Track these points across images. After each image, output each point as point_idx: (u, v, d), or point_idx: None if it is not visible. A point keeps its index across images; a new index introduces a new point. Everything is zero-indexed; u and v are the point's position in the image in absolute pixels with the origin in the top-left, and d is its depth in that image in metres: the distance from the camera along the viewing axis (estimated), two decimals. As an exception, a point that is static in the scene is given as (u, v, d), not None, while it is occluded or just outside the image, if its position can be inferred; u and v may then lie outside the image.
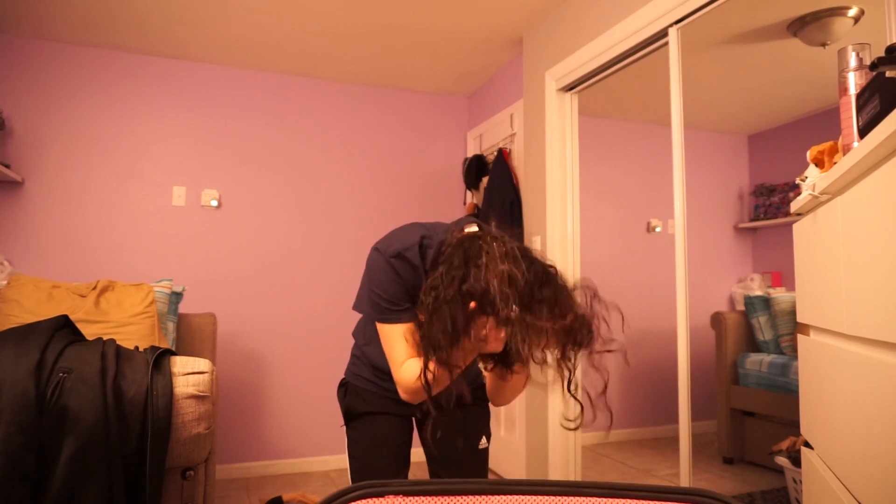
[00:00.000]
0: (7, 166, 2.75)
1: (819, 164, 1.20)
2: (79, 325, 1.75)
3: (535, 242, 2.79)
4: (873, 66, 0.85)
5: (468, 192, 3.50)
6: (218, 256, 3.21)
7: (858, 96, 0.97)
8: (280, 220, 3.35)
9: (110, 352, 1.46)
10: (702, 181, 3.41)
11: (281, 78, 3.42)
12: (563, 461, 2.55)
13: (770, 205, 3.23)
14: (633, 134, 3.64)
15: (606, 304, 1.05)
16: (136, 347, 1.64)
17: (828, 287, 1.04)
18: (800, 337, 1.30)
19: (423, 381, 1.03)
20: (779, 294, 3.11)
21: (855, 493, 0.89)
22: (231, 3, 2.62)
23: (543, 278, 1.00)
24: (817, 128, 2.79)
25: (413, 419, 1.45)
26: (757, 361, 3.01)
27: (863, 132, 0.93)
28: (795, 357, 2.86)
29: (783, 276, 3.27)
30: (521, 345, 0.96)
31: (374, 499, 0.52)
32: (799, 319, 1.29)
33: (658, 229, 3.65)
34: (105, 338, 1.59)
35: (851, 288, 0.90)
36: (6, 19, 2.76)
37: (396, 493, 0.52)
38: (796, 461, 2.17)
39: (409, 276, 1.18)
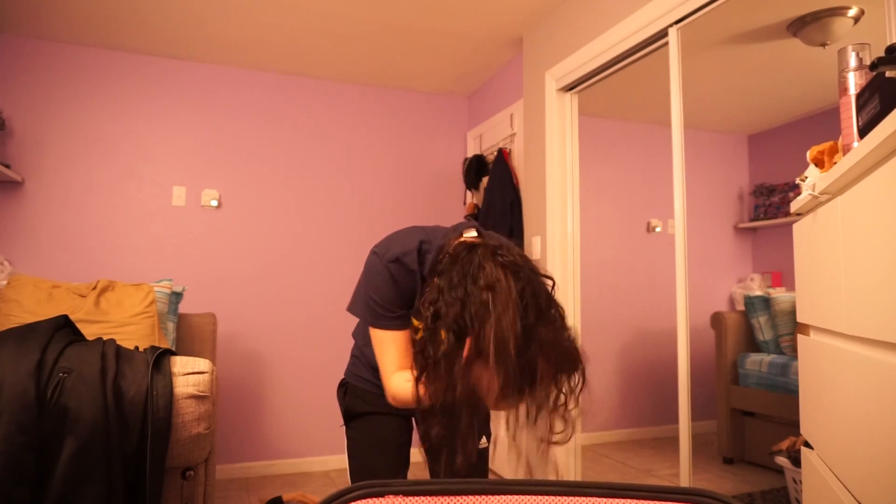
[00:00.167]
0: (7, 166, 2.75)
1: (819, 164, 1.20)
2: (79, 325, 1.75)
3: (535, 243, 2.79)
4: (873, 66, 0.85)
5: (468, 193, 3.50)
6: (218, 256, 3.21)
7: (858, 96, 0.97)
8: (280, 220, 3.35)
9: (110, 352, 1.46)
10: (702, 181, 3.41)
11: (281, 78, 3.42)
12: (563, 461, 2.55)
13: (770, 205, 3.24)
14: (633, 134, 3.64)
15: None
16: (136, 347, 1.64)
17: (828, 287, 1.04)
18: (800, 337, 1.30)
19: (416, 402, 1.04)
20: (779, 294, 3.11)
21: (855, 493, 0.89)
22: (231, 2, 2.62)
23: (541, 315, 0.98)
24: (817, 128, 2.80)
25: (413, 419, 1.45)
26: (757, 361, 3.01)
27: (863, 132, 0.93)
28: (795, 357, 2.86)
29: (783, 276, 3.27)
30: (514, 395, 0.97)
31: (374, 499, 0.52)
32: (799, 319, 1.29)
33: (658, 229, 3.65)
34: (105, 338, 1.60)
35: (851, 288, 0.90)
36: (6, 19, 2.76)
37: (396, 493, 0.52)
38: (796, 461, 2.17)
39: (406, 282, 1.18)
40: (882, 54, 0.85)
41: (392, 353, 1.19)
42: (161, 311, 2.30)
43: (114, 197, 3.05)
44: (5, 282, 2.26)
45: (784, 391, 2.82)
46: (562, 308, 1.05)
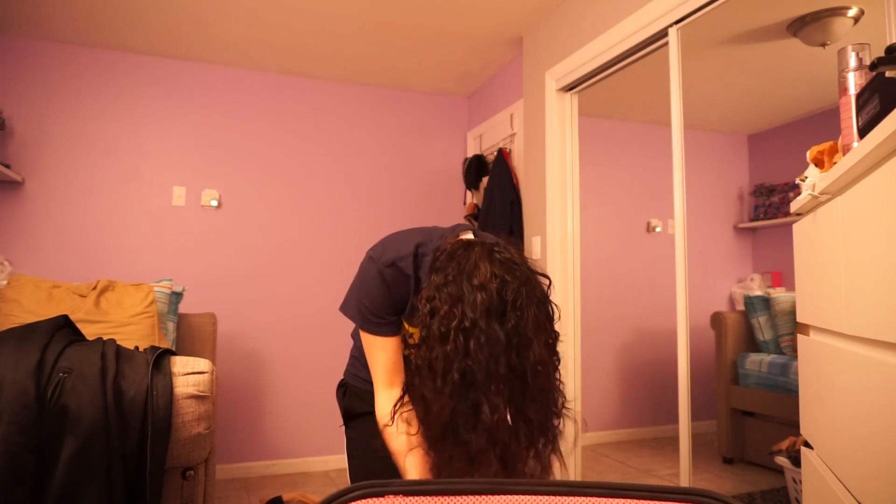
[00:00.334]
0: (7, 166, 2.75)
1: (819, 164, 1.20)
2: (79, 325, 1.75)
3: (535, 243, 2.79)
4: (873, 66, 0.85)
5: (468, 193, 3.51)
6: (218, 256, 3.21)
7: (858, 96, 0.97)
8: (280, 219, 3.35)
9: (110, 352, 1.46)
10: (702, 181, 3.41)
11: (281, 78, 3.42)
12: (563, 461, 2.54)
13: (770, 205, 3.24)
14: (633, 134, 3.64)
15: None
16: (136, 347, 1.64)
17: (828, 287, 1.04)
18: (800, 337, 1.30)
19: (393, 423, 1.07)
20: (779, 294, 3.11)
21: (855, 493, 0.89)
22: (231, 2, 2.62)
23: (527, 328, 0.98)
24: (817, 128, 2.80)
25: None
26: (757, 361, 3.01)
27: (863, 132, 0.93)
28: (795, 357, 2.86)
29: (783, 276, 3.27)
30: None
31: (375, 499, 0.52)
32: (799, 319, 1.29)
33: (658, 229, 3.65)
34: (105, 338, 1.60)
35: (851, 288, 0.90)
36: (6, 19, 2.76)
37: (396, 493, 0.52)
38: (796, 461, 2.17)
39: (400, 287, 1.17)
40: (882, 54, 0.85)
41: (381, 360, 1.20)
42: (161, 311, 2.30)
43: (114, 197, 3.05)
44: (5, 282, 2.26)
45: (784, 391, 2.82)
46: (557, 307, 1.06)
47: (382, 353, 1.20)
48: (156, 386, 1.42)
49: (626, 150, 3.63)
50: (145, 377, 1.42)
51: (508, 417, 0.99)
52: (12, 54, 2.92)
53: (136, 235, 3.07)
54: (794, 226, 1.32)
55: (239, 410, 3.19)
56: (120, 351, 1.50)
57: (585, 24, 2.48)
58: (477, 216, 3.32)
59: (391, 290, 1.16)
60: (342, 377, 1.48)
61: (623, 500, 0.52)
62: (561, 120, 2.67)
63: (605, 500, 0.52)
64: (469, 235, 1.15)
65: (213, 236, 3.21)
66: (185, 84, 3.22)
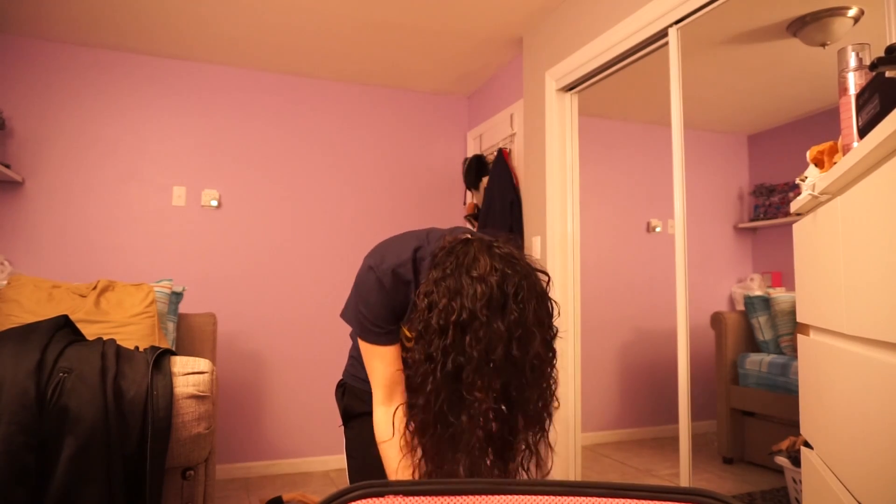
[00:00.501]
0: (7, 166, 2.75)
1: (819, 164, 1.20)
2: (79, 325, 1.75)
3: (535, 243, 2.79)
4: (873, 66, 0.85)
5: (468, 193, 3.51)
6: (218, 256, 3.21)
7: (858, 96, 0.97)
8: (280, 220, 3.35)
9: (110, 352, 1.46)
10: (702, 181, 3.41)
11: (281, 78, 3.42)
12: (563, 461, 2.55)
13: (770, 205, 3.24)
14: (633, 134, 3.64)
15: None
16: (136, 347, 1.64)
17: (828, 287, 1.04)
18: (800, 337, 1.30)
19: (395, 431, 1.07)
20: (779, 294, 3.11)
21: (855, 493, 0.89)
22: (231, 2, 2.62)
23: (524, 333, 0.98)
24: (817, 128, 2.80)
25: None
26: (757, 361, 3.01)
27: (862, 132, 0.93)
28: (795, 357, 2.86)
29: (783, 276, 3.27)
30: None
31: (374, 499, 0.52)
32: (799, 319, 1.29)
33: (658, 229, 3.65)
34: (105, 338, 1.60)
35: (851, 288, 0.90)
36: (6, 19, 2.76)
37: (397, 493, 0.52)
38: (796, 461, 2.17)
39: (399, 294, 1.16)
40: (882, 54, 0.85)
41: (380, 371, 1.20)
42: (161, 311, 2.30)
43: (114, 197, 3.05)
44: (5, 282, 2.26)
45: (784, 391, 2.82)
46: (556, 304, 1.05)
47: (381, 364, 1.20)
48: (156, 386, 1.42)
49: (626, 150, 3.63)
50: (145, 377, 1.42)
51: (503, 408, 0.99)
52: (12, 54, 2.92)
53: (136, 235, 3.07)
54: (794, 226, 1.32)
55: (239, 410, 3.19)
56: (120, 351, 1.50)
57: (585, 24, 2.48)
58: (477, 216, 3.32)
59: (391, 297, 1.16)
60: (341, 377, 1.48)
61: (623, 500, 0.52)
62: (561, 120, 2.67)
63: (605, 500, 0.52)
64: (468, 237, 1.14)
65: (213, 236, 3.21)
66: (185, 84, 3.22)
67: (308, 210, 3.41)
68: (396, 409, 1.14)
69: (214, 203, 3.20)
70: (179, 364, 1.53)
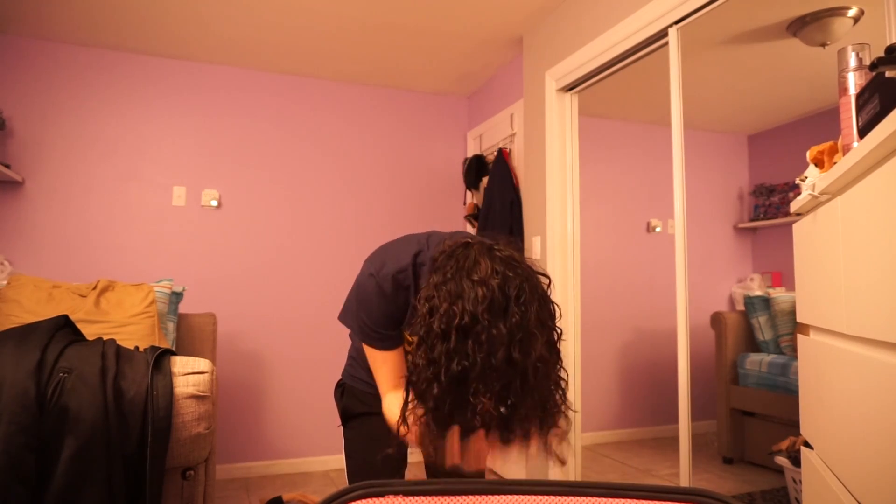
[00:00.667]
0: (7, 166, 2.75)
1: (819, 164, 1.20)
2: (79, 325, 1.75)
3: (535, 243, 2.79)
4: (873, 66, 0.85)
5: (468, 193, 3.51)
6: (218, 256, 3.21)
7: (858, 96, 0.97)
8: (280, 220, 3.35)
9: (110, 352, 1.46)
10: (702, 181, 3.41)
11: (281, 78, 3.42)
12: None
13: (770, 205, 3.24)
14: (633, 134, 3.64)
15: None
16: (136, 347, 1.64)
17: (828, 287, 1.04)
18: (800, 337, 1.30)
19: (403, 421, 1.04)
20: (779, 294, 3.11)
21: (855, 493, 0.89)
22: (231, 2, 2.62)
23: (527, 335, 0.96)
24: (817, 128, 2.80)
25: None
26: (757, 361, 3.01)
27: (862, 132, 0.93)
28: (795, 357, 2.86)
29: (783, 276, 3.27)
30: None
31: (374, 499, 0.52)
32: (799, 319, 1.29)
33: (658, 229, 3.65)
34: (105, 338, 1.60)
35: (851, 288, 0.90)
36: (6, 19, 2.76)
37: (396, 493, 0.52)
38: (796, 461, 2.17)
39: (399, 299, 1.16)
40: (882, 54, 0.86)
41: (384, 372, 1.22)
42: (161, 311, 2.30)
43: (114, 197, 3.05)
44: (5, 282, 2.26)
45: (784, 391, 2.82)
46: (558, 306, 1.05)
47: (384, 366, 1.22)
48: (156, 386, 1.42)
49: (626, 150, 3.63)
50: (145, 377, 1.42)
51: (503, 410, 0.99)
52: (12, 54, 2.92)
53: (136, 235, 3.07)
54: (794, 226, 1.32)
55: (239, 410, 3.19)
56: (120, 351, 1.50)
57: (585, 24, 2.48)
58: (477, 216, 3.32)
59: (391, 303, 1.16)
60: (340, 377, 1.49)
61: (623, 500, 0.52)
62: (561, 120, 2.67)
63: (605, 500, 0.52)
64: (468, 241, 1.14)
65: (213, 236, 3.21)
66: (184, 84, 3.22)
67: (308, 210, 3.41)
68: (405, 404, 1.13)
69: (214, 203, 3.20)
70: (179, 364, 1.53)
